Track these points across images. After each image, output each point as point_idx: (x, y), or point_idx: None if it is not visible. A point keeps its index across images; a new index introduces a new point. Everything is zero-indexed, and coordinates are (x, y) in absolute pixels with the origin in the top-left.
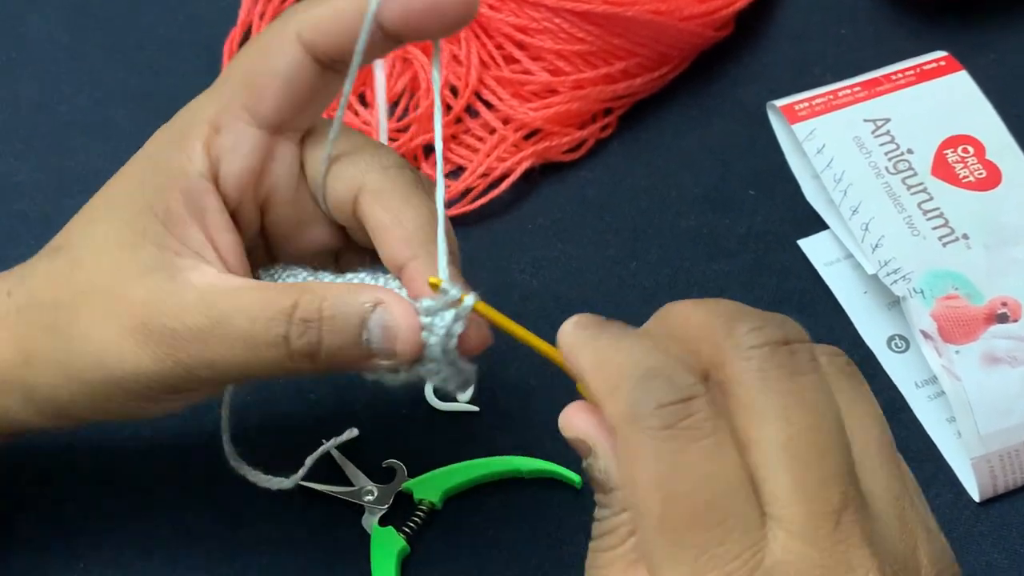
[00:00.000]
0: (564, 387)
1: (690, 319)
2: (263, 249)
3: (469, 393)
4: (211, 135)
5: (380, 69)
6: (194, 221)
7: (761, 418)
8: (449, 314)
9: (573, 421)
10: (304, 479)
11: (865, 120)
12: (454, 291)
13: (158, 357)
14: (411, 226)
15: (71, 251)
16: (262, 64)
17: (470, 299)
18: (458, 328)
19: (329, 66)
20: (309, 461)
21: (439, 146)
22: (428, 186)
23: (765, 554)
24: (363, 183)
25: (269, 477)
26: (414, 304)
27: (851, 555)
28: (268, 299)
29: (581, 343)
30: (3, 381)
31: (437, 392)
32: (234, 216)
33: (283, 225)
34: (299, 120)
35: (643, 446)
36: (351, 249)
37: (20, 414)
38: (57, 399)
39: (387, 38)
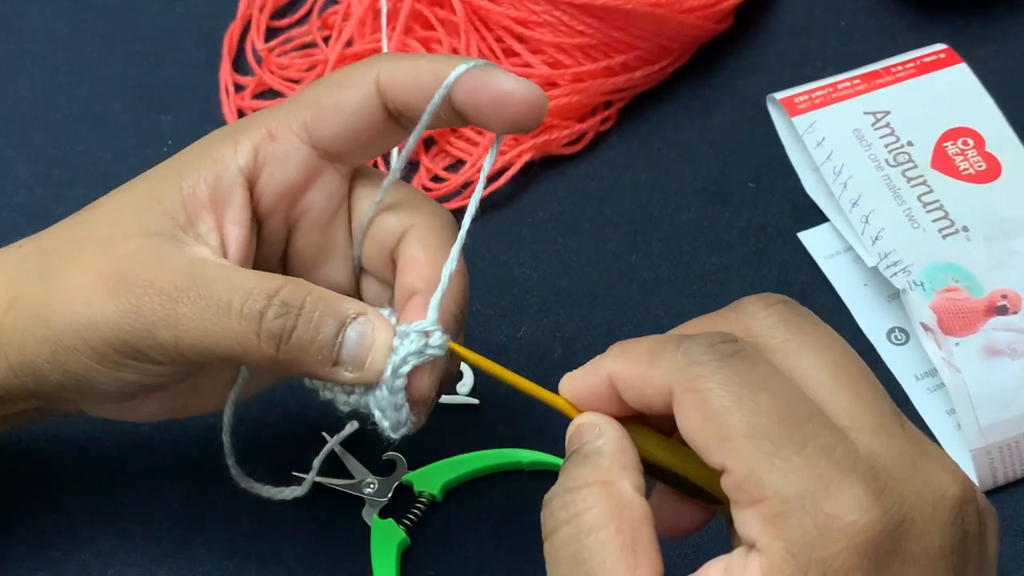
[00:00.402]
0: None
1: (701, 324)
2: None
3: (469, 385)
4: (265, 139)
5: None
6: (212, 207)
7: (798, 353)
8: (414, 342)
9: (588, 415)
10: (304, 471)
11: (865, 113)
12: (429, 323)
13: (123, 307)
14: (439, 267)
15: (92, 208)
16: (334, 92)
17: (438, 337)
18: (414, 360)
19: (394, 116)
20: (316, 463)
21: (471, 210)
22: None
23: (858, 447)
24: (413, 224)
25: (281, 489)
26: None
27: (926, 447)
28: (255, 277)
29: (604, 358)
30: None
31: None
32: (262, 229)
33: (306, 253)
34: (351, 155)
35: (709, 380)
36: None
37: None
38: (25, 347)
39: (454, 113)
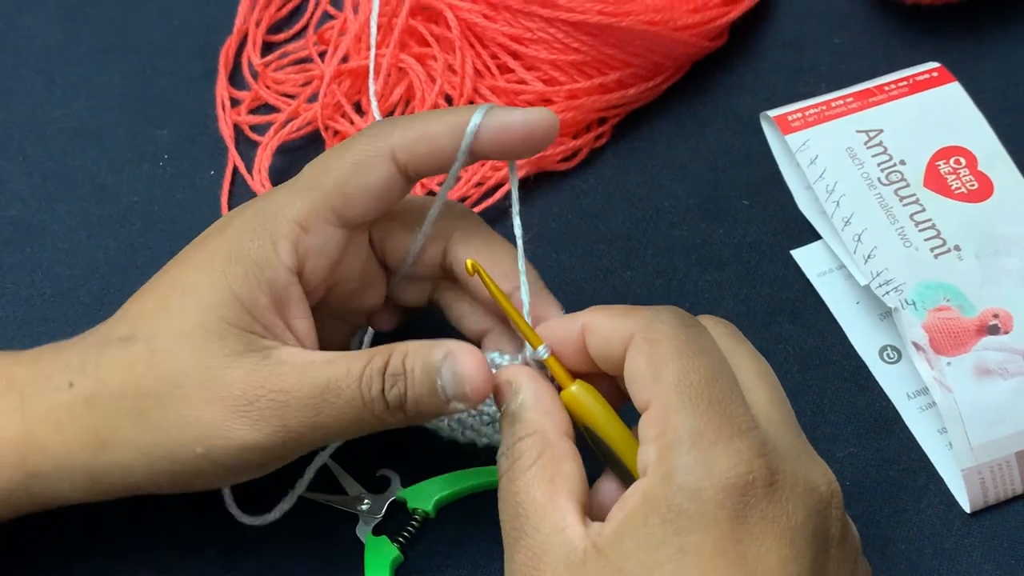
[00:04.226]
0: None
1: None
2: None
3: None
4: (300, 234)
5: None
6: (276, 310)
7: (735, 356)
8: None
9: (502, 373)
10: (307, 492)
11: (858, 131)
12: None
13: (269, 431)
14: (505, 261)
15: (148, 341)
16: (356, 178)
17: (543, 351)
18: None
19: (415, 178)
20: (308, 474)
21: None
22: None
23: (758, 423)
24: (451, 235)
25: (265, 516)
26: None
27: (812, 452)
28: (361, 361)
29: (583, 312)
30: (69, 467)
31: None
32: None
33: (342, 295)
34: (374, 218)
35: (664, 335)
36: (386, 308)
37: (75, 494)
38: (130, 480)
39: (472, 158)
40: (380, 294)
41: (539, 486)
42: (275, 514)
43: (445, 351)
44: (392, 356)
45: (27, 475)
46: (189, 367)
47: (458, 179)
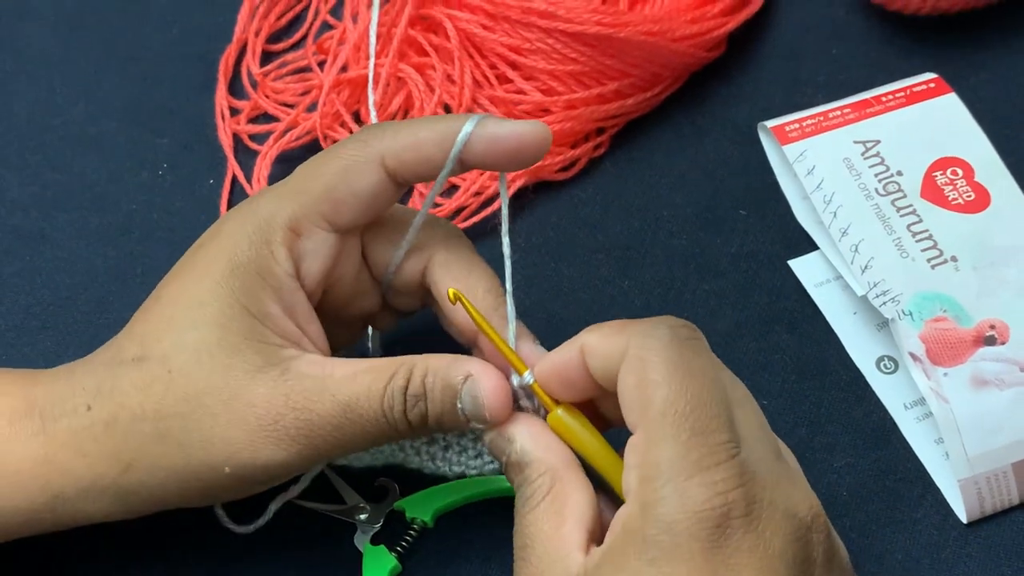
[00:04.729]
0: None
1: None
2: None
3: None
4: (292, 239)
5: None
6: (287, 317)
7: (731, 379)
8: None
9: (490, 433)
10: (297, 498)
11: (855, 142)
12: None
13: (296, 449)
14: (480, 293)
15: (162, 361)
16: (345, 184)
17: (528, 377)
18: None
19: (404, 184)
20: (273, 504)
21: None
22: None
23: (740, 451)
24: (431, 256)
25: (256, 522)
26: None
27: (793, 476)
28: (382, 379)
29: (581, 334)
30: (95, 489)
31: None
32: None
33: (338, 300)
34: (365, 223)
35: (656, 353)
36: (385, 311)
37: (102, 513)
38: (158, 497)
39: (462, 167)
40: (376, 299)
41: (547, 519)
42: (264, 518)
43: (466, 373)
44: (413, 375)
45: (52, 497)
46: (208, 386)
47: (455, 187)
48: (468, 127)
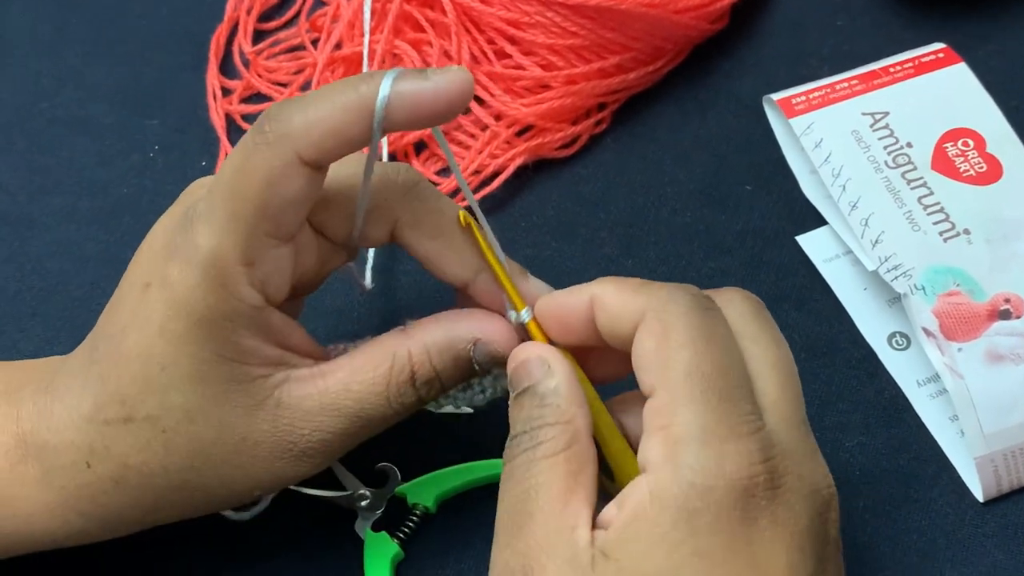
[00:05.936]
0: None
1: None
2: None
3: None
4: (251, 273)
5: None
6: (265, 343)
7: (754, 341)
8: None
9: (531, 348)
10: (296, 484)
11: (863, 113)
12: (524, 314)
13: (316, 461)
14: (459, 246)
15: (154, 422)
16: (275, 196)
17: (525, 314)
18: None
19: (331, 163)
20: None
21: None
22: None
23: (765, 422)
24: (397, 220)
25: (253, 509)
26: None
27: (817, 453)
28: (382, 379)
29: (592, 283)
30: (121, 525)
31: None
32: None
33: (309, 279)
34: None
35: (677, 317)
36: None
37: (131, 533)
38: (169, 521)
39: (387, 132)
40: (348, 253)
41: (560, 478)
42: (263, 505)
43: (471, 340)
44: (416, 364)
45: (76, 531)
46: (209, 439)
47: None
48: (383, 94)
